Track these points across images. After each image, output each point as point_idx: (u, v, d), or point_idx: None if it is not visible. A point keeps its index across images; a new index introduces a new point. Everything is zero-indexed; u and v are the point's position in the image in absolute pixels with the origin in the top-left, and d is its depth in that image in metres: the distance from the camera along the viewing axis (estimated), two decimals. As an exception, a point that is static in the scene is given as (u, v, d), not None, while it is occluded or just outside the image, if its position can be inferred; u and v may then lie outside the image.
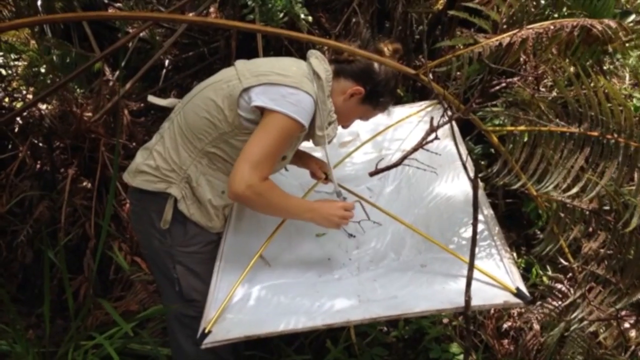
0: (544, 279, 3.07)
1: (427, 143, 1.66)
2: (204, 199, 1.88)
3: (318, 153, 2.51)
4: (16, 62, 4.23)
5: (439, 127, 1.49)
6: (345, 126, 2.06)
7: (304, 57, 1.93)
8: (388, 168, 1.66)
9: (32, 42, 4.34)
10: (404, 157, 1.63)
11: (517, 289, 1.68)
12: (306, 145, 2.10)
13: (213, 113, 1.81)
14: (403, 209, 2.23)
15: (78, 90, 4.13)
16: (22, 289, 2.96)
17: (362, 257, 2.08)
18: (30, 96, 4.05)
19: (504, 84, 1.64)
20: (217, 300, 1.78)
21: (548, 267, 3.13)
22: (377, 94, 1.93)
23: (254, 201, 1.74)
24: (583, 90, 1.62)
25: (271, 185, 1.77)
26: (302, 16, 2.63)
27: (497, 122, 2.02)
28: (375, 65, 1.89)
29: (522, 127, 1.69)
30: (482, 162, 2.96)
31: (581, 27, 1.65)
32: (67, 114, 3.28)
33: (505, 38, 1.62)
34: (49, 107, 3.76)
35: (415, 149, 1.64)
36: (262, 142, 1.72)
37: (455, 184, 2.21)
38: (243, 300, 1.78)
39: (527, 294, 1.68)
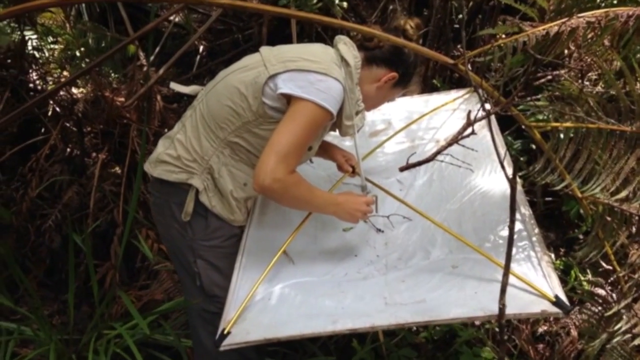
0: (584, 282, 2.93)
1: (463, 138, 1.55)
2: (226, 190, 1.82)
3: (348, 142, 2.42)
4: (53, 46, 4.24)
5: (475, 121, 1.39)
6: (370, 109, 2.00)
7: (338, 45, 1.84)
8: (419, 163, 1.55)
9: (69, 25, 4.35)
10: (438, 152, 1.52)
11: (556, 297, 1.56)
12: (334, 135, 2.01)
13: (236, 101, 1.73)
14: (434, 204, 2.13)
15: (113, 74, 4.12)
16: (50, 274, 2.96)
17: (390, 254, 1.99)
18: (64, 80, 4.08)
19: (549, 77, 1.52)
20: (237, 298, 1.71)
21: (588, 271, 2.99)
22: (408, 75, 1.89)
23: (280, 195, 1.67)
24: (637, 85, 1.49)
25: (298, 179, 1.69)
26: (337, 1, 2.54)
27: (540, 117, 1.89)
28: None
29: (568, 124, 1.56)
30: (522, 159, 2.82)
31: (637, 16, 1.51)
32: (99, 99, 3.27)
33: (553, 27, 1.49)
34: (83, 91, 3.76)
35: (450, 144, 1.54)
36: (290, 133, 1.64)
37: (491, 178, 2.09)
38: (264, 299, 1.71)
39: (567, 302, 1.56)
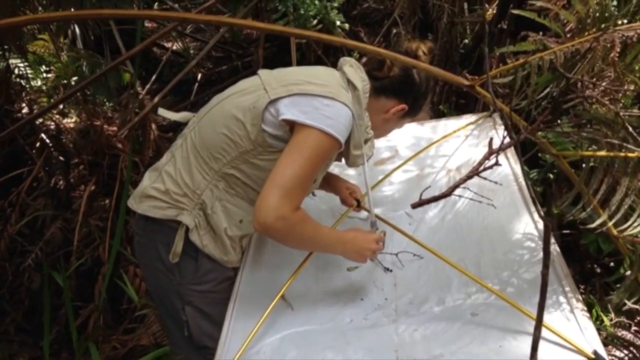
0: (606, 322, 2.71)
1: (484, 170, 1.36)
2: (220, 228, 1.62)
3: (351, 171, 2.23)
4: (47, 75, 4.12)
5: (500, 150, 1.20)
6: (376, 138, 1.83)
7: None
8: (435, 199, 1.37)
9: (61, 53, 4.23)
10: (456, 187, 1.33)
11: (595, 352, 1.36)
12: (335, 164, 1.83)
13: (233, 128, 1.55)
14: (448, 240, 1.92)
15: (107, 103, 3.98)
16: (29, 317, 2.74)
17: (400, 298, 1.78)
18: (55, 110, 3.93)
19: (579, 99, 1.33)
20: (228, 351, 1.50)
21: (610, 309, 2.76)
22: (418, 105, 1.74)
23: (284, 235, 1.48)
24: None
25: (304, 216, 1.51)
26: (338, 23, 2.37)
27: (568, 145, 1.70)
28: (414, 74, 1.66)
29: (602, 152, 1.37)
30: (538, 189, 2.62)
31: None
32: (89, 128, 3.10)
33: (583, 43, 1.31)
34: (74, 120, 3.60)
35: (469, 177, 1.35)
36: (295, 165, 1.45)
37: (510, 212, 1.90)
38: (259, 353, 1.50)
39: (606, 358, 1.36)
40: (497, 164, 1.23)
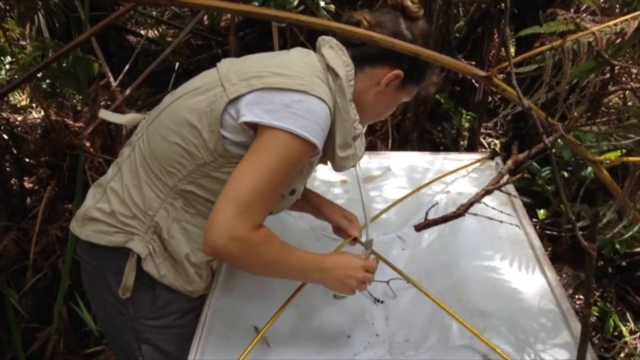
0: (625, 332, 2.46)
1: (496, 189, 1.09)
2: (180, 254, 1.34)
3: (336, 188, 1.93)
4: (10, 66, 3.83)
5: (529, 157, 0.92)
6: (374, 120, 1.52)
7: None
8: (443, 220, 1.09)
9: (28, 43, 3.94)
10: (469, 206, 1.05)
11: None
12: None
13: (187, 137, 1.25)
14: (448, 267, 1.66)
15: (77, 97, 3.68)
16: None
17: (395, 334, 1.49)
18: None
19: (621, 91, 1.06)
20: None
21: (630, 317, 2.52)
22: (418, 69, 1.35)
23: (241, 259, 1.18)
24: None
25: (267, 236, 1.21)
26: (323, 4, 2.07)
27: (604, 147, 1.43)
28: (403, 29, 1.31)
29: (651, 158, 1.09)
30: (549, 188, 2.35)
31: None
32: (51, 126, 2.79)
33: (630, 21, 1.03)
34: (38, 116, 3.30)
35: (482, 195, 1.07)
36: (255, 174, 1.16)
37: (516, 235, 1.65)
38: None
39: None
40: (511, 180, 0.95)
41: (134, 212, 1.31)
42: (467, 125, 3.10)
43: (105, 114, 1.51)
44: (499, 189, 0.99)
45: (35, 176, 2.75)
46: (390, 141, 2.95)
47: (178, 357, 1.41)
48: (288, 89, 1.17)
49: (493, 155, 2.12)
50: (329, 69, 1.25)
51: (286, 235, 1.56)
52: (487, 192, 1.02)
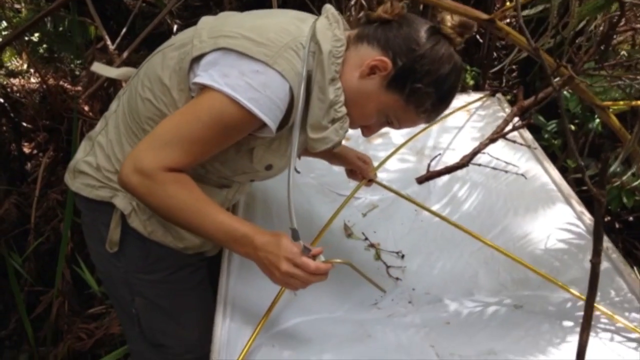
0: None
1: (500, 137, 1.05)
2: None
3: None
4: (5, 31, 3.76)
5: (536, 103, 0.88)
6: (356, 127, 1.27)
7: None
8: (447, 171, 1.04)
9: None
10: (471, 157, 1.02)
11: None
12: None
13: (158, 94, 1.19)
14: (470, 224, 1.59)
15: (75, 61, 3.62)
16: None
17: (413, 288, 1.47)
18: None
19: (630, 32, 1.00)
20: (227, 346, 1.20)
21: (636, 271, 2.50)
22: (413, 76, 1.14)
23: (142, 195, 1.11)
24: None
25: (177, 181, 1.10)
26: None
27: (614, 94, 1.37)
28: (422, 34, 1.14)
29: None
30: (555, 142, 2.30)
31: None
32: (48, 90, 2.74)
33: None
34: (36, 81, 3.25)
35: (486, 144, 1.03)
36: (181, 118, 1.10)
37: (542, 190, 1.60)
38: (262, 347, 1.20)
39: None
40: (526, 123, 0.91)
41: (116, 167, 1.27)
42: (471, 82, 3.03)
43: (97, 67, 1.46)
44: (503, 136, 0.95)
45: (34, 141, 2.71)
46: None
47: (171, 311, 1.40)
48: (250, 56, 1.08)
49: (494, 92, 2.06)
50: (314, 41, 1.14)
51: (294, 191, 1.54)
52: (492, 140, 0.99)
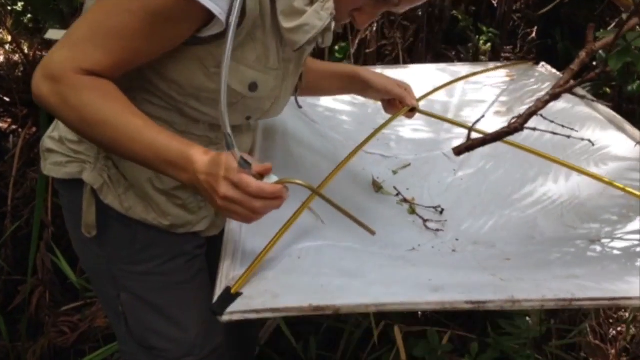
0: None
1: (565, 91, 0.82)
2: (140, 180, 1.06)
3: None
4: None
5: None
6: (346, 16, 1.02)
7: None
8: (494, 138, 0.82)
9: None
10: (526, 118, 0.79)
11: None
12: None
13: None
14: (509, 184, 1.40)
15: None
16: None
17: (458, 232, 1.27)
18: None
19: None
20: (244, 251, 0.96)
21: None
22: None
23: (53, 107, 0.88)
24: None
25: (98, 86, 0.87)
26: None
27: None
28: None
29: None
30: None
31: None
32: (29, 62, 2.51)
33: None
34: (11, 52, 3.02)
35: (546, 102, 0.80)
36: (98, 10, 0.87)
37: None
38: (291, 257, 0.97)
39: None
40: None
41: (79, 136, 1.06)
42: (487, 46, 2.80)
43: (52, 34, 1.23)
44: (569, 91, 0.73)
45: (13, 116, 2.49)
46: (402, 67, 2.67)
47: (164, 308, 1.16)
48: None
49: (536, 60, 1.81)
50: None
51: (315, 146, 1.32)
52: (553, 96, 0.76)
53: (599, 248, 1.03)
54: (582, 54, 0.82)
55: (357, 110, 1.73)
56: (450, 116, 1.67)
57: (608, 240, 1.07)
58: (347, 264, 0.97)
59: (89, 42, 0.86)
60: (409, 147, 1.57)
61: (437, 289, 0.80)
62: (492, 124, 1.50)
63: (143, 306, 1.17)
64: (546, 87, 1.65)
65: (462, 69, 1.84)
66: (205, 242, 1.21)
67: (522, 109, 1.61)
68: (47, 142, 1.10)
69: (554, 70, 1.75)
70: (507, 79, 1.79)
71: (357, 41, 2.64)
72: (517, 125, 0.79)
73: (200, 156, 0.86)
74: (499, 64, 1.83)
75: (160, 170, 0.91)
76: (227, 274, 0.86)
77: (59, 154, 1.08)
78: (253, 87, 0.98)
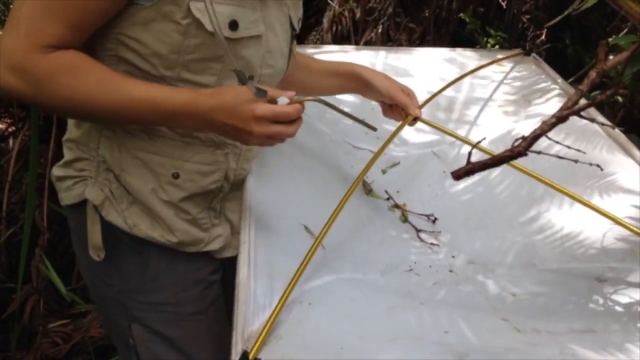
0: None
1: (572, 114, 0.76)
2: (144, 193, 1.00)
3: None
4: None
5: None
6: None
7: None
8: (495, 162, 0.76)
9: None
10: (530, 142, 0.73)
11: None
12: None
13: None
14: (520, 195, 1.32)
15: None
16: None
17: (453, 256, 1.19)
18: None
19: None
20: (255, 300, 0.90)
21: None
22: None
23: (35, 97, 0.84)
24: None
25: (70, 63, 0.83)
26: None
27: None
28: None
29: None
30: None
31: None
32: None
33: None
34: None
35: (552, 125, 0.74)
36: None
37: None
38: (302, 303, 0.90)
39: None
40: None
41: (80, 148, 1.02)
42: (495, 49, 2.74)
43: None
44: (577, 113, 0.67)
45: (10, 117, 2.46)
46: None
47: (179, 341, 1.10)
48: None
49: (529, 50, 1.74)
50: None
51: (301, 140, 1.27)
52: (560, 119, 0.70)
53: (609, 292, 0.98)
54: (593, 74, 0.77)
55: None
56: (451, 114, 1.63)
57: (616, 282, 1.02)
58: (357, 307, 0.93)
59: (36, 17, 0.81)
60: (397, 142, 1.47)
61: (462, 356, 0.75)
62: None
63: (157, 340, 1.11)
64: (542, 82, 1.65)
65: (464, 54, 1.84)
66: (220, 265, 1.14)
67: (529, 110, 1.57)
68: (54, 171, 1.07)
69: (546, 66, 1.73)
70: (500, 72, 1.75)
71: (362, 43, 2.59)
72: (520, 150, 0.73)
73: (204, 101, 0.86)
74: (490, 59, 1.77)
75: (161, 123, 0.93)
76: (242, 331, 0.80)
77: (66, 178, 1.04)
78: (233, 25, 0.91)
